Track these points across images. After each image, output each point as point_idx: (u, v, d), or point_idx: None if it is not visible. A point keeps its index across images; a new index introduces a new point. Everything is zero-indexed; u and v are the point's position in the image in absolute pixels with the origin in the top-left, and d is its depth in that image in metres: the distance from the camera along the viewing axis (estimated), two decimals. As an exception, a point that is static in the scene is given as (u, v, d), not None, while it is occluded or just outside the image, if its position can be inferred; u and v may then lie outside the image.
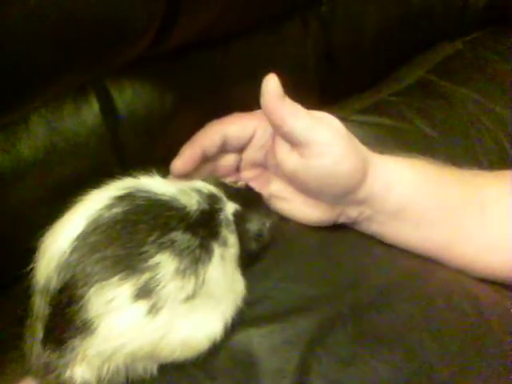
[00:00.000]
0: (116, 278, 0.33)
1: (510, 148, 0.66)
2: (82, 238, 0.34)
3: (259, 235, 0.43)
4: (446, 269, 0.46)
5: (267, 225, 0.43)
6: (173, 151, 0.48)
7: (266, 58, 0.61)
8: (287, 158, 0.44)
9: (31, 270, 0.36)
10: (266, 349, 0.39)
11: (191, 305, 0.35)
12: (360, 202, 0.45)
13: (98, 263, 0.33)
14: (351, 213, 0.46)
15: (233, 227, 0.40)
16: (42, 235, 0.36)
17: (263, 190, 0.47)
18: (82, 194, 0.37)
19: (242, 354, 0.38)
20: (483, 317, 0.42)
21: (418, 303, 0.42)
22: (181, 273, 0.35)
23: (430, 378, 0.38)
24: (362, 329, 0.40)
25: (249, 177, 0.50)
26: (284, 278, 0.43)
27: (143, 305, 0.33)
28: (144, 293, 0.33)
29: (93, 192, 0.37)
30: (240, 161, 0.50)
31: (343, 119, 0.44)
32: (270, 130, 0.47)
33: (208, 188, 0.41)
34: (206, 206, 0.39)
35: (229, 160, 0.50)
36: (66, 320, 0.33)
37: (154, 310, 0.34)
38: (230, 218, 0.40)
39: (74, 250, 0.34)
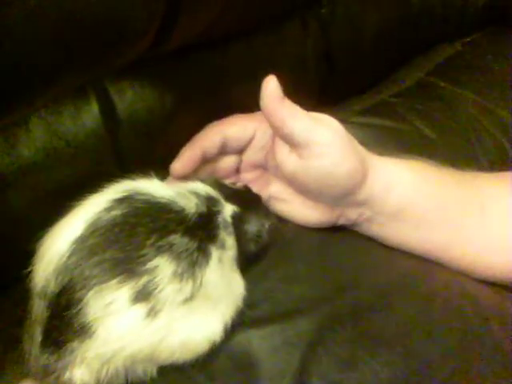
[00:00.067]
0: (114, 280, 0.33)
1: (509, 149, 0.66)
2: (81, 240, 0.34)
3: (258, 236, 0.43)
4: (446, 270, 0.46)
5: (266, 226, 0.43)
6: (173, 152, 0.48)
7: (265, 58, 0.61)
8: (287, 159, 0.44)
9: (31, 271, 0.36)
10: (266, 350, 0.39)
11: (190, 307, 0.35)
12: (360, 204, 0.45)
13: (96, 266, 0.33)
14: (351, 214, 0.46)
15: (231, 229, 0.40)
16: (41, 236, 0.36)
17: (263, 192, 0.47)
18: (81, 196, 0.37)
19: (241, 356, 0.38)
20: (483, 318, 0.42)
21: (417, 304, 0.42)
22: (178, 276, 0.35)
23: (429, 378, 0.38)
24: (362, 329, 0.40)
25: (248, 178, 0.50)
26: (283, 279, 0.43)
27: (142, 308, 0.33)
28: (142, 296, 0.33)
29: (91, 195, 0.37)
30: (240, 162, 0.50)
31: (343, 121, 0.44)
32: (269, 131, 0.47)
33: (206, 190, 0.41)
34: (204, 209, 0.39)
35: (228, 161, 0.49)
36: (65, 323, 0.33)
37: (152, 312, 0.34)
38: (229, 220, 0.40)
39: (72, 252, 0.34)
